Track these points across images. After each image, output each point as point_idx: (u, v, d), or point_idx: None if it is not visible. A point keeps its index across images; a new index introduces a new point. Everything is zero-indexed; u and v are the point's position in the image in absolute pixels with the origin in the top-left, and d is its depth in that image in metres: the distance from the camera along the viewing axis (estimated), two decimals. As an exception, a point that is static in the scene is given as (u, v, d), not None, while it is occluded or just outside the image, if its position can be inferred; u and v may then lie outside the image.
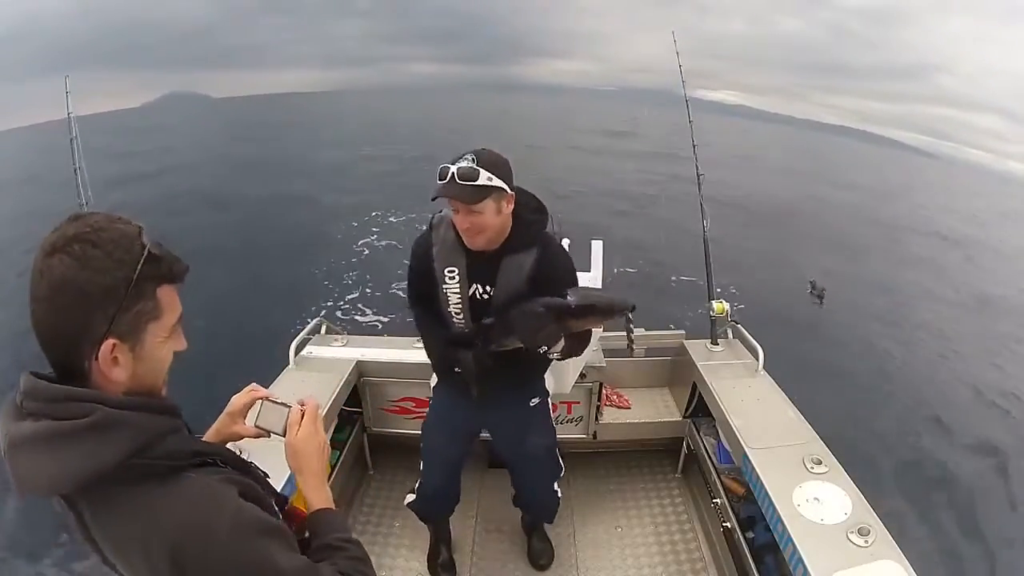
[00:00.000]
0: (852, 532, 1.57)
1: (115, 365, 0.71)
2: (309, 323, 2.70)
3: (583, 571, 2.31)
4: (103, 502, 0.70)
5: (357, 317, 9.73)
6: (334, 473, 2.35)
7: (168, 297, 0.76)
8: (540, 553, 2.32)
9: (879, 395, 7.92)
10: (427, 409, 2.42)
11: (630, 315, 1.56)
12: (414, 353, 2.50)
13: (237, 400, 1.03)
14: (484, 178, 1.46)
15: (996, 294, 13.87)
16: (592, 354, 2.41)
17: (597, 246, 3.19)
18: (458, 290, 1.65)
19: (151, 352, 0.75)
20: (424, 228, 1.71)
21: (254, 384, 1.05)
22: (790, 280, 12.39)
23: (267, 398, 1.00)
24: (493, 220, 1.52)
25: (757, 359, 2.44)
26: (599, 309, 1.56)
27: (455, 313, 1.67)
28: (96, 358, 0.70)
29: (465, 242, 1.58)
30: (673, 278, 11.32)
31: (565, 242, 3.32)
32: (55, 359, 0.71)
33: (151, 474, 0.70)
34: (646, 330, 2.80)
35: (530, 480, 2.10)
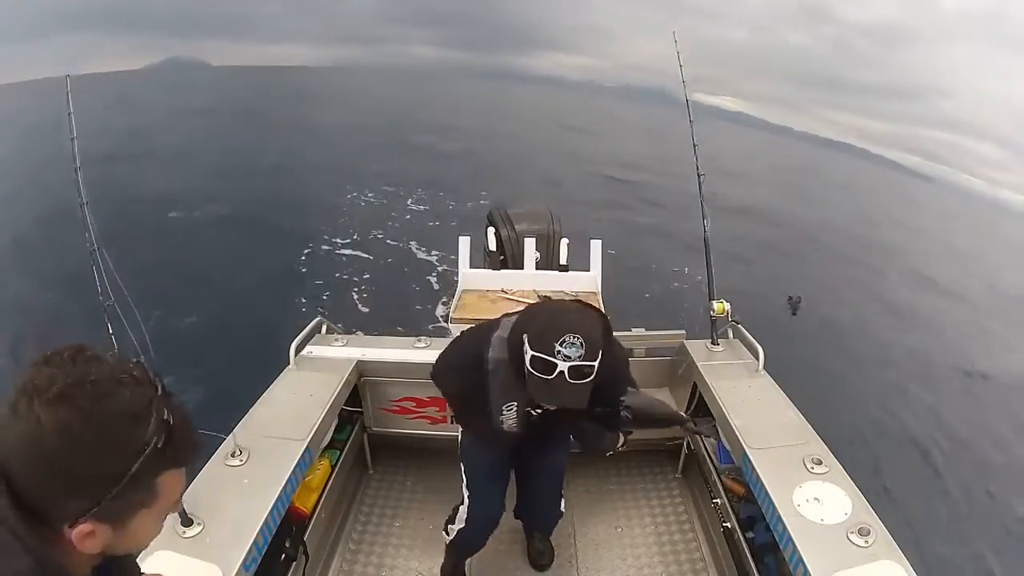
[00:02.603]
0: (852, 532, 1.57)
1: (89, 538, 0.64)
2: (309, 323, 2.69)
3: (583, 571, 2.31)
4: None
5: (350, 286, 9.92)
6: (334, 473, 2.35)
7: (169, 483, 0.69)
8: (540, 553, 2.32)
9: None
10: (429, 409, 2.40)
11: (692, 425, 1.72)
12: (414, 353, 2.50)
13: None
14: (597, 368, 1.34)
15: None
16: None
17: (596, 245, 3.21)
18: (515, 416, 1.63)
19: (134, 534, 0.69)
20: (477, 358, 1.61)
21: None
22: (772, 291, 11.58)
23: None
24: None
25: (757, 359, 2.44)
26: (658, 422, 1.68)
27: (508, 427, 1.67)
28: (71, 526, 0.63)
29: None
30: (675, 283, 11.27)
31: (564, 242, 3.36)
32: (28, 502, 0.62)
33: None
34: (646, 330, 2.80)
35: (542, 494, 2.11)
